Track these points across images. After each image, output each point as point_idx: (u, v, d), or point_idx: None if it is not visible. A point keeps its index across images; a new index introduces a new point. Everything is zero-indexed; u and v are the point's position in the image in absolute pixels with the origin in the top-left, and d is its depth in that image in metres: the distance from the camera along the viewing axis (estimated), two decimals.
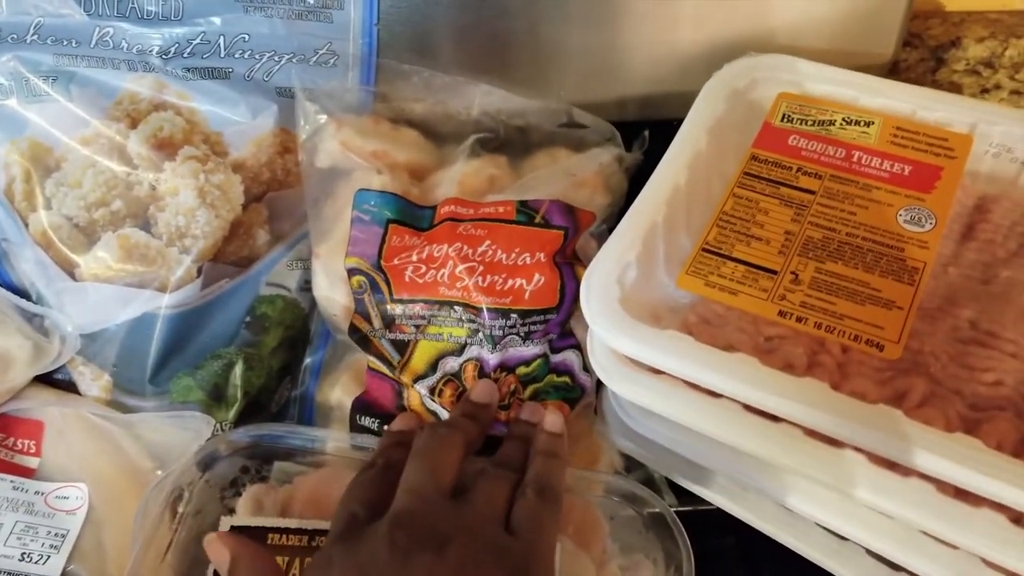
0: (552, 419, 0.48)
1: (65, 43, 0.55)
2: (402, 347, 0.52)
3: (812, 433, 0.39)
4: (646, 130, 0.60)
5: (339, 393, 0.56)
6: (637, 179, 0.49)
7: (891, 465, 0.37)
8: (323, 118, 0.56)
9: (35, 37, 0.54)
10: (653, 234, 0.47)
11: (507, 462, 0.45)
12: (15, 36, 0.54)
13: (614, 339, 0.42)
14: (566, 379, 0.51)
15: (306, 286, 0.59)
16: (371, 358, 0.53)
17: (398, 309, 0.52)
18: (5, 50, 0.54)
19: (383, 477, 0.44)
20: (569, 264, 0.52)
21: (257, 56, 0.57)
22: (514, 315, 0.50)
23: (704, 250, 0.46)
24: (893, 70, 0.69)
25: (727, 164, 0.51)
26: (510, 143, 0.59)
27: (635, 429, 0.48)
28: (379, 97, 0.59)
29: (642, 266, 0.46)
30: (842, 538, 0.44)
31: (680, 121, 0.52)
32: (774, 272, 0.44)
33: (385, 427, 0.52)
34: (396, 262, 0.52)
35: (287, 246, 0.59)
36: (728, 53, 0.56)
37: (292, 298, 0.59)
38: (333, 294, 0.55)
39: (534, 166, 0.58)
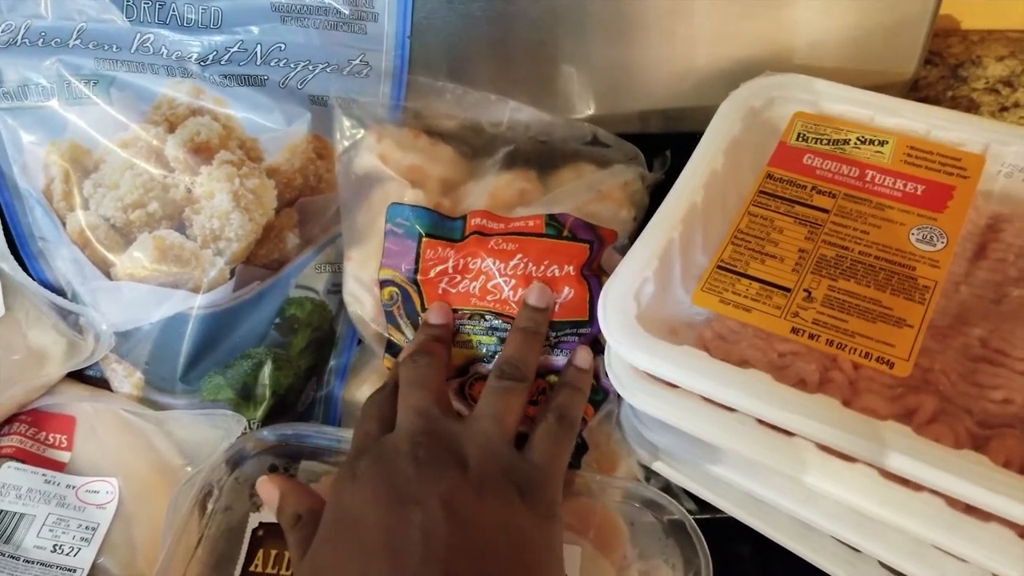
0: (582, 355, 0.51)
1: (106, 48, 0.56)
2: None
3: (825, 448, 0.40)
4: (668, 150, 0.61)
5: (366, 393, 0.57)
6: (659, 195, 0.50)
7: (902, 480, 0.38)
8: (360, 132, 0.57)
9: (78, 41, 0.56)
10: (670, 251, 0.47)
11: (510, 371, 0.48)
12: (58, 40, 0.55)
13: (630, 354, 0.43)
14: (594, 382, 0.52)
15: (334, 289, 0.61)
16: None
17: (430, 312, 0.53)
18: (48, 54, 0.55)
19: (395, 396, 0.48)
20: (597, 277, 0.52)
21: (292, 65, 0.58)
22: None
23: (719, 267, 0.46)
24: (913, 88, 0.70)
25: (743, 182, 0.51)
26: (538, 158, 0.60)
27: (652, 440, 0.49)
28: (411, 112, 0.60)
29: (659, 282, 0.46)
30: (856, 550, 0.45)
31: (701, 135, 0.52)
32: (787, 290, 0.45)
33: None
34: (432, 275, 0.53)
35: (316, 250, 0.60)
36: (751, 70, 0.56)
37: (320, 300, 0.60)
38: (362, 297, 0.56)
39: (560, 181, 0.59)
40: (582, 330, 0.52)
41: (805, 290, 0.45)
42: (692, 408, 0.43)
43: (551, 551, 0.42)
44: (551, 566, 0.42)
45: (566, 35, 0.60)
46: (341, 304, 0.60)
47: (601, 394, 0.52)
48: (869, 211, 0.48)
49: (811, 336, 0.43)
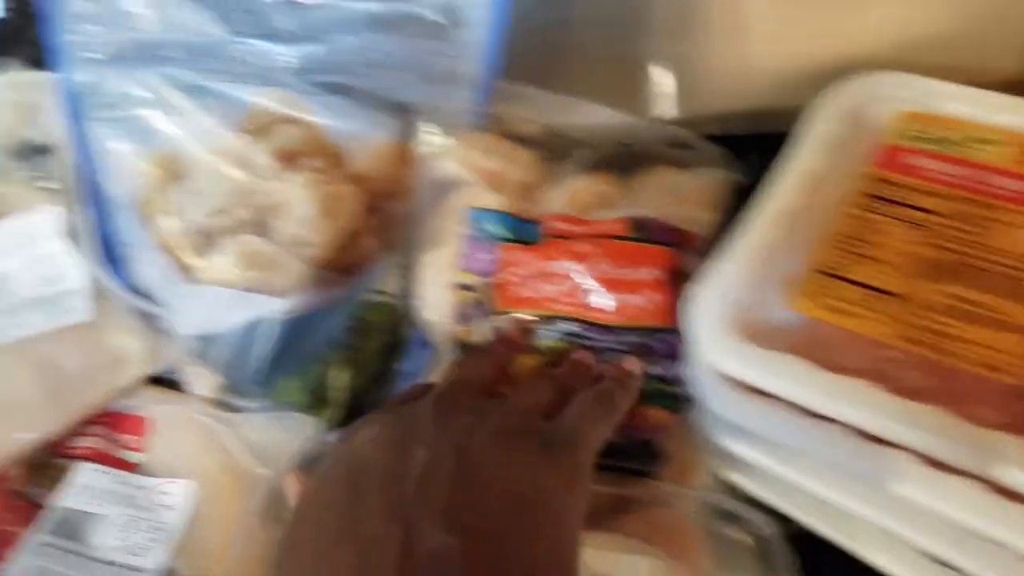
0: (633, 362, 0.49)
1: (204, 60, 0.57)
2: None
3: (929, 459, 0.38)
4: (754, 152, 0.59)
5: None
6: (743, 198, 0.49)
7: (1014, 495, 0.36)
8: (442, 138, 0.57)
9: (176, 54, 0.57)
10: (763, 255, 0.46)
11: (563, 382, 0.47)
12: (158, 53, 0.57)
13: (722, 361, 0.42)
14: (675, 388, 0.50)
15: (407, 293, 0.60)
16: None
17: (503, 323, 0.53)
18: (148, 66, 0.57)
19: None
20: (679, 282, 0.51)
21: (380, 73, 0.58)
22: (624, 332, 0.50)
23: (819, 272, 0.45)
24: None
25: (840, 184, 0.50)
26: (618, 161, 0.59)
27: (732, 450, 0.48)
28: (493, 118, 0.60)
29: (751, 287, 0.45)
30: (953, 568, 0.42)
31: (785, 135, 0.52)
32: (893, 294, 0.43)
33: None
34: (508, 278, 0.53)
35: (393, 254, 0.60)
36: (839, 68, 0.55)
37: (393, 304, 0.60)
38: (435, 302, 0.56)
39: (642, 184, 0.58)
40: (663, 335, 0.50)
41: (912, 295, 0.43)
42: (787, 418, 0.41)
43: (567, 512, 0.39)
44: (564, 529, 0.38)
45: (646, 36, 0.60)
46: (413, 308, 0.59)
47: (680, 402, 0.50)
48: (984, 214, 0.46)
49: (918, 343, 0.41)
